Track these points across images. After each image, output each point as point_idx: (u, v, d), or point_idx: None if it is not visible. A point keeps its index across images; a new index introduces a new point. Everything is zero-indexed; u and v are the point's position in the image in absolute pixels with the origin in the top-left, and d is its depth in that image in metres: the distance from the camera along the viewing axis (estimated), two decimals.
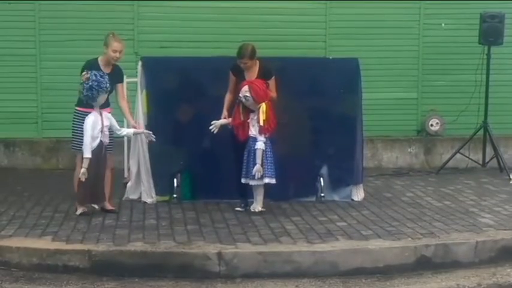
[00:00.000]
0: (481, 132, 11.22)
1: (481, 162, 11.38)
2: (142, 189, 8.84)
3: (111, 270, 6.65)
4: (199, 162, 8.86)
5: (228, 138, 8.43)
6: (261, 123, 8.15)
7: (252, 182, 8.26)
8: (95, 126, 7.92)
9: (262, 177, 8.18)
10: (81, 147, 7.98)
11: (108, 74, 8.12)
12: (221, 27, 11.34)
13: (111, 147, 8.37)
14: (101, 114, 7.99)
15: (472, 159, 11.31)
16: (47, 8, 11.24)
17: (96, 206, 8.21)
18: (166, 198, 8.87)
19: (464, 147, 11.20)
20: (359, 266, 6.78)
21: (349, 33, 11.63)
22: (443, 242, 7.10)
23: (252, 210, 8.28)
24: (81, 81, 7.91)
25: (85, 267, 6.68)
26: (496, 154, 11.09)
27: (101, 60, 8.36)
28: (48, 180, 10.26)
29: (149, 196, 8.85)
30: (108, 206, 8.29)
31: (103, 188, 8.20)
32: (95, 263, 6.69)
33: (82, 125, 7.98)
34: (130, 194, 8.96)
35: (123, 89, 8.51)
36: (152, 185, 8.85)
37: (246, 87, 8.16)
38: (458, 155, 11.22)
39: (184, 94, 8.80)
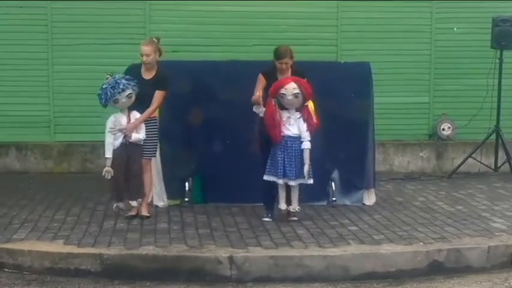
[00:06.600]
0: (493, 136, 11.19)
1: (493, 166, 11.33)
2: (154, 192, 8.82)
3: (122, 273, 6.65)
4: (210, 166, 8.85)
5: (240, 142, 8.46)
6: (315, 120, 7.88)
7: (292, 182, 7.96)
8: (115, 126, 7.93)
9: (309, 177, 7.94)
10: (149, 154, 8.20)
11: (147, 80, 8.10)
12: (233, 31, 11.36)
13: (150, 153, 8.22)
14: (128, 116, 8.00)
15: (484, 164, 11.26)
16: (59, 12, 11.29)
17: (134, 203, 8.10)
18: (178, 202, 8.88)
19: (476, 151, 11.16)
20: (370, 271, 6.76)
21: (360, 37, 11.63)
22: (455, 246, 7.07)
23: (293, 210, 8.06)
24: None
25: (97, 271, 6.68)
26: (508, 158, 11.06)
27: (143, 66, 8.34)
28: (59, 184, 10.28)
29: (161, 200, 8.86)
30: (143, 212, 8.18)
31: (136, 185, 8.10)
32: (107, 267, 6.70)
33: (152, 132, 8.14)
34: None
35: (157, 96, 8.09)
36: (163, 189, 8.85)
37: (293, 84, 7.74)
38: (470, 160, 11.19)
39: (195, 98, 8.79)
